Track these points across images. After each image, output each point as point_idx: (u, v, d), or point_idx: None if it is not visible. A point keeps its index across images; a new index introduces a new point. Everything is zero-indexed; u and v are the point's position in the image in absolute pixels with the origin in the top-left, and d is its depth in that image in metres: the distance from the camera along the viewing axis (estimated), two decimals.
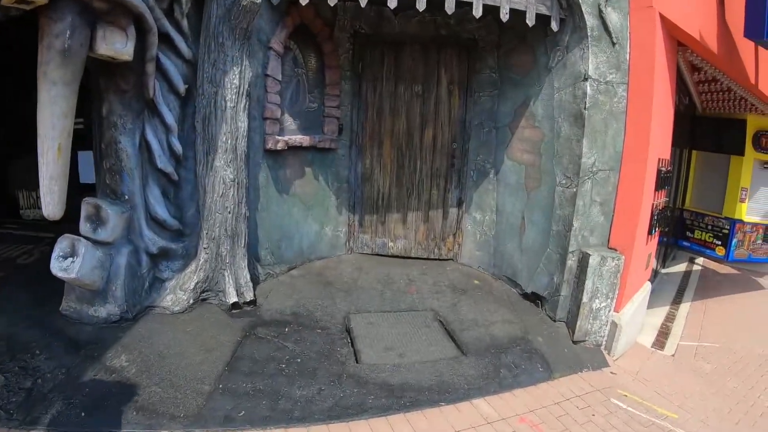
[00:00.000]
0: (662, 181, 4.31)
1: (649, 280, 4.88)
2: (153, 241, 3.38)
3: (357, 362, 3.22)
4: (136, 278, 3.29)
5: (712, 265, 8.29)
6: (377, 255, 5.09)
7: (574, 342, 3.82)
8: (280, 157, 4.22)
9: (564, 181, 3.96)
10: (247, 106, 3.49)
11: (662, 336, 4.73)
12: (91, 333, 3.03)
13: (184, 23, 3.32)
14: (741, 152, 7.69)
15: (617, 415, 3.08)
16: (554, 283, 4.05)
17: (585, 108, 3.73)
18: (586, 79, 3.71)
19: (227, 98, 3.35)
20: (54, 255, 2.98)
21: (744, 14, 4.01)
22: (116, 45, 2.74)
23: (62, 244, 3.02)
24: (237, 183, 3.49)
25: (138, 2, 2.76)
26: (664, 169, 4.28)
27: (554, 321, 4.01)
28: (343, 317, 3.77)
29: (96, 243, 3.09)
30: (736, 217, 7.84)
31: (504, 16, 3.63)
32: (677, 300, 5.97)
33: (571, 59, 3.86)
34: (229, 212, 3.48)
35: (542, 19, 3.77)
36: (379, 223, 5.10)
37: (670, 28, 3.79)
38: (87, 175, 4.87)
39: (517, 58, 4.47)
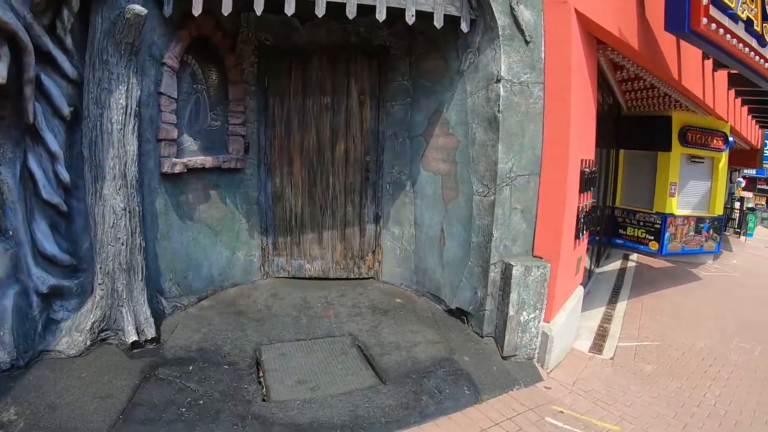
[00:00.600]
0: (587, 182, 4.22)
1: (582, 283, 4.79)
2: (42, 279, 3.10)
3: (265, 400, 2.97)
4: (27, 321, 3.02)
5: (647, 260, 8.44)
6: (294, 278, 4.86)
7: (504, 358, 3.64)
8: (180, 180, 3.93)
9: (481, 190, 3.78)
10: (136, 128, 3.29)
11: (600, 339, 4.63)
12: None
13: (68, 40, 3.11)
14: (668, 148, 7.93)
15: None
16: (478, 297, 3.86)
17: (499, 111, 3.57)
18: (498, 81, 3.56)
19: (113, 120, 3.15)
20: None
21: (663, 7, 3.96)
22: None
23: None
24: (129, 212, 3.27)
25: (9, 19, 2.55)
26: (588, 170, 4.20)
27: (482, 337, 3.82)
28: (253, 349, 3.51)
29: None
30: (667, 211, 8.08)
31: (410, 18, 3.48)
32: (613, 299, 5.95)
33: (483, 61, 3.70)
34: (122, 244, 3.25)
35: (452, 21, 3.65)
36: (294, 244, 4.84)
37: (587, 25, 3.70)
38: None
39: (429, 64, 4.33)
